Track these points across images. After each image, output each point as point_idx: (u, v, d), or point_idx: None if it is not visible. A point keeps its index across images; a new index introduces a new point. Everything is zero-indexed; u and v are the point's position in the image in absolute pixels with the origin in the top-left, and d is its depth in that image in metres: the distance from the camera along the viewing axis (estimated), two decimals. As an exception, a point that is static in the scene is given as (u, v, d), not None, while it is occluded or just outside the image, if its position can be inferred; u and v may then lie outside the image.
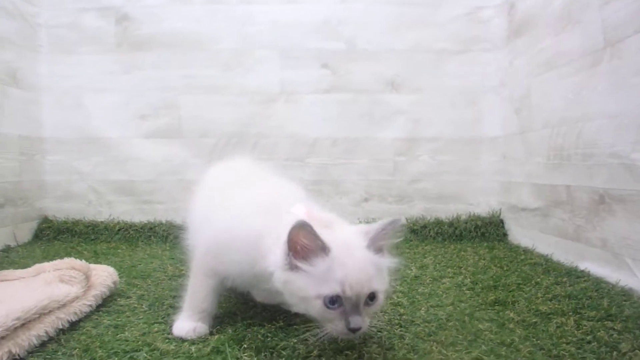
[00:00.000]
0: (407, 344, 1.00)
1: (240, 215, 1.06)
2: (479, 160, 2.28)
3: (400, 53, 2.28)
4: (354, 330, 0.85)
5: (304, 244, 0.88)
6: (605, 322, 1.09)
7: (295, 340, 0.99)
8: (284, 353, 0.95)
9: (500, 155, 2.25)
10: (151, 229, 2.24)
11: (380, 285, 0.90)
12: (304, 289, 0.88)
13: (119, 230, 2.23)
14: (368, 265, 0.89)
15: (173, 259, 1.84)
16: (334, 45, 2.29)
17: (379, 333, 1.06)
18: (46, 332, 1.01)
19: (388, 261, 0.93)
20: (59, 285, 1.20)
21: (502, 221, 2.20)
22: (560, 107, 1.69)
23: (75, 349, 0.97)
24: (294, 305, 0.93)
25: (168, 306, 1.25)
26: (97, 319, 1.17)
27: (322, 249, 0.87)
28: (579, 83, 1.59)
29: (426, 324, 1.12)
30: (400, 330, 1.08)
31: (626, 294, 1.30)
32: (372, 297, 0.88)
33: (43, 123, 2.31)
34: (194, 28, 2.30)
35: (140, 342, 1.00)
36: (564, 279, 1.44)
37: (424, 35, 2.27)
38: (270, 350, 0.96)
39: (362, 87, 2.29)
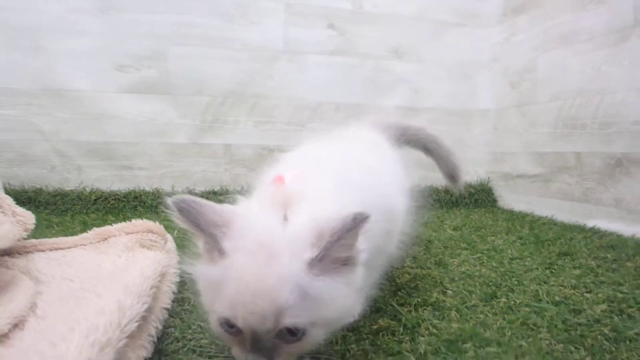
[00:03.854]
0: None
1: None
2: (471, 132, 2.40)
3: (405, 20, 2.28)
4: None
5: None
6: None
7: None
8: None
9: (491, 127, 2.40)
10: (136, 197, 1.97)
11: (310, 317, 0.59)
12: (203, 296, 0.63)
13: (96, 200, 1.92)
14: (282, 289, 0.57)
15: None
16: (340, 4, 2.20)
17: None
18: (168, 304, 0.85)
19: (344, 281, 0.62)
20: (142, 251, 1.01)
21: (490, 188, 2.36)
22: (575, 81, 1.85)
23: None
24: None
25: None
26: (190, 288, 1.01)
27: (215, 245, 0.61)
28: (599, 59, 1.75)
29: (531, 272, 1.17)
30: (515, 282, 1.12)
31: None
32: (293, 332, 0.59)
33: (-10, 68, 1.86)
34: (191, -33, 2.03)
35: None
36: (589, 234, 1.60)
37: (428, 4, 2.30)
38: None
39: (368, 52, 2.25)
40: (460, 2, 2.35)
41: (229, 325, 0.59)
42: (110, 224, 1.15)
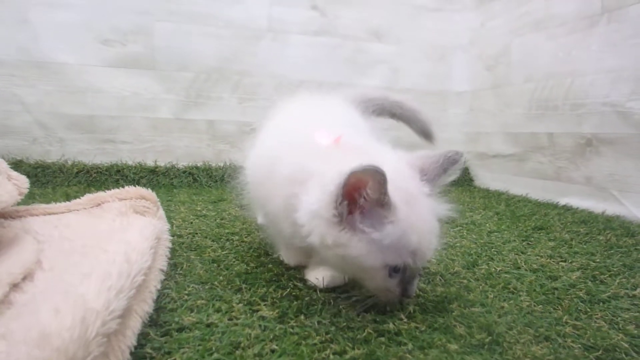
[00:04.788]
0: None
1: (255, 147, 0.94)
2: (446, 112, 2.46)
3: (385, 3, 2.32)
4: (409, 297, 0.75)
5: (369, 198, 0.67)
6: (625, 238, 1.30)
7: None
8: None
9: (467, 108, 2.46)
10: (119, 171, 1.96)
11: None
12: (366, 258, 0.69)
13: (77, 172, 1.91)
14: (436, 225, 0.73)
15: (170, 201, 1.67)
16: (324, -14, 2.22)
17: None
18: (164, 266, 0.87)
19: (444, 208, 0.77)
20: (136, 216, 1.03)
21: (467, 168, 2.43)
22: (548, 64, 1.92)
23: (206, 283, 0.86)
24: (342, 269, 0.78)
25: (235, 240, 1.17)
26: (181, 255, 1.04)
27: (387, 205, 0.67)
28: (570, 43, 1.82)
29: (509, 243, 1.24)
30: (494, 249, 1.18)
31: (618, 218, 1.56)
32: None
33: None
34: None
35: (269, 273, 0.93)
36: (562, 211, 1.69)
37: (407, -12, 2.35)
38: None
39: (349, 33, 2.28)
40: (437, -13, 2.41)
41: (395, 271, 0.70)
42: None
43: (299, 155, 0.77)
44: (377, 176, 0.64)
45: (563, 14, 1.85)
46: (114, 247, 0.68)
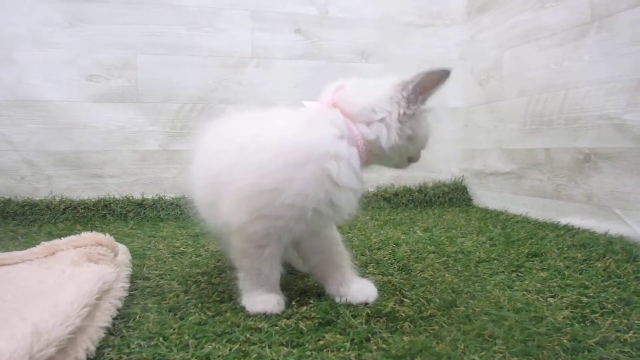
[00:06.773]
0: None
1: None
2: (441, 129, 2.38)
3: (371, 23, 2.29)
4: None
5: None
6: (625, 265, 1.20)
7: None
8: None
9: (461, 124, 2.39)
10: (106, 206, 1.95)
11: None
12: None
13: (64, 209, 1.90)
14: None
15: (152, 236, 1.63)
16: (306, 10, 2.21)
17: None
18: (107, 322, 0.82)
19: None
20: (89, 265, 0.98)
21: (464, 187, 2.35)
22: (541, 77, 1.84)
23: (153, 338, 0.80)
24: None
25: (202, 282, 1.11)
26: (138, 303, 0.99)
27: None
28: (561, 54, 1.74)
29: (496, 275, 1.15)
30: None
31: (621, 239, 1.46)
32: None
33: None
34: (156, -20, 2.03)
35: (223, 324, 0.86)
36: (562, 232, 1.59)
37: (392, 7, 2.32)
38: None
39: (334, 55, 2.25)
40: (424, 3, 2.37)
41: None
42: (78, 233, 1.12)
43: (324, 120, 0.92)
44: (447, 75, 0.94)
45: (552, 25, 1.78)
46: (35, 313, 0.64)
